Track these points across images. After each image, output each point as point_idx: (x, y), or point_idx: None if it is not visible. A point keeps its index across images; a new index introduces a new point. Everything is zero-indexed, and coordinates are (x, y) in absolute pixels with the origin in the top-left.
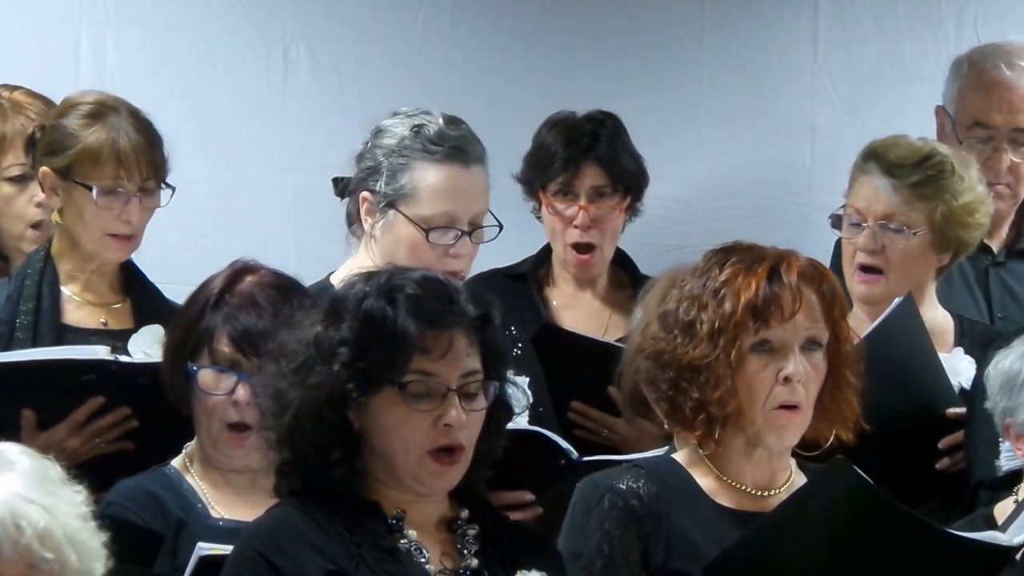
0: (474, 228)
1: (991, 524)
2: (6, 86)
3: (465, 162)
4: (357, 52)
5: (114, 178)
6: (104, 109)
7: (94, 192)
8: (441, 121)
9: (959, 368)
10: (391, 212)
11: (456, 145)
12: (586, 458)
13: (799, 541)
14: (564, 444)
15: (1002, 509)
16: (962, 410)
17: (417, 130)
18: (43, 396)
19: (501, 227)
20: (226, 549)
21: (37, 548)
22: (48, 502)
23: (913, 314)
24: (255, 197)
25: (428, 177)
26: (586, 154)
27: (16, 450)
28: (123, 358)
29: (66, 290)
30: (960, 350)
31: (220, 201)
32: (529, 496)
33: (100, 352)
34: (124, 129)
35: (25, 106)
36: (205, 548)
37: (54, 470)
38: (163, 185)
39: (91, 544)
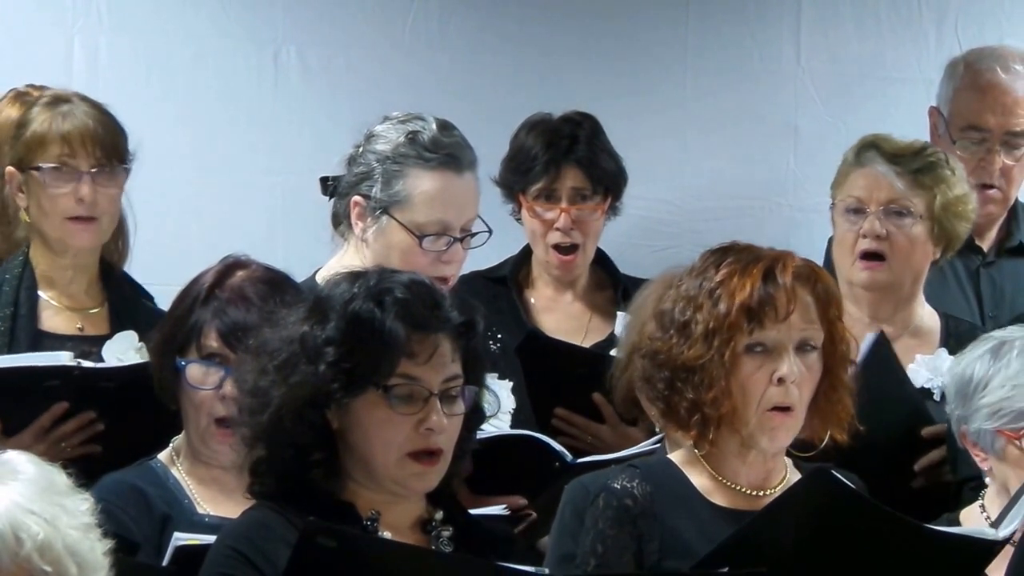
0: (465, 234)
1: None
2: (33, 87)
3: (458, 169)
4: (346, 56)
5: (59, 155)
6: (56, 100)
7: (42, 172)
8: (435, 127)
9: (942, 369)
10: (384, 218)
11: (450, 152)
12: (580, 460)
13: (784, 541)
14: (558, 447)
15: (968, 514)
16: (937, 428)
17: (412, 137)
18: (8, 403)
19: (491, 232)
20: (203, 539)
21: (36, 560)
22: (50, 513)
23: (886, 353)
24: (245, 199)
25: (423, 184)
26: (566, 157)
27: (23, 458)
28: (86, 363)
29: (44, 295)
30: (944, 351)
31: (210, 203)
32: (522, 500)
33: (63, 358)
34: (72, 113)
35: None
36: (182, 538)
37: (60, 478)
38: (125, 169)
39: (92, 556)
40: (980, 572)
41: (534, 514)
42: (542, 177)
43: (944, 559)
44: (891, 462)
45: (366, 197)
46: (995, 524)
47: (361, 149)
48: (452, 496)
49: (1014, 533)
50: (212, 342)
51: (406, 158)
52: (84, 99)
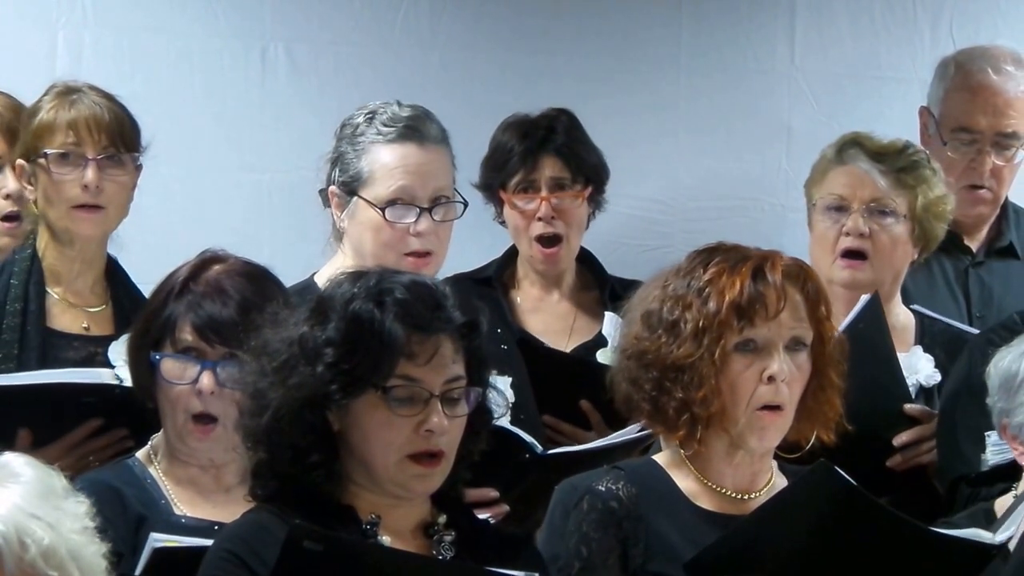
0: (435, 204)
1: (991, 519)
2: None
3: (420, 140)
4: (335, 53)
5: (64, 142)
6: (67, 90)
7: (48, 159)
8: (396, 107)
9: (918, 367)
10: (353, 199)
11: (408, 125)
12: (551, 451)
13: (781, 539)
14: (528, 438)
15: (1002, 504)
16: (921, 408)
17: (371, 116)
18: (42, 416)
19: (466, 204)
20: (180, 541)
21: (41, 566)
22: (53, 517)
23: (879, 312)
24: (231, 197)
25: (382, 157)
26: (543, 146)
27: (21, 461)
28: (127, 383)
29: (50, 291)
30: (919, 348)
31: (196, 201)
32: (494, 493)
33: (104, 376)
34: (80, 101)
35: None
36: (159, 540)
37: (57, 481)
38: (135, 158)
39: (93, 560)
40: (977, 574)
41: (506, 507)
42: (520, 169)
43: (942, 561)
44: (871, 428)
45: (337, 184)
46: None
47: (334, 141)
48: (457, 499)
49: (1010, 539)
50: (187, 336)
51: (366, 136)
52: (94, 89)
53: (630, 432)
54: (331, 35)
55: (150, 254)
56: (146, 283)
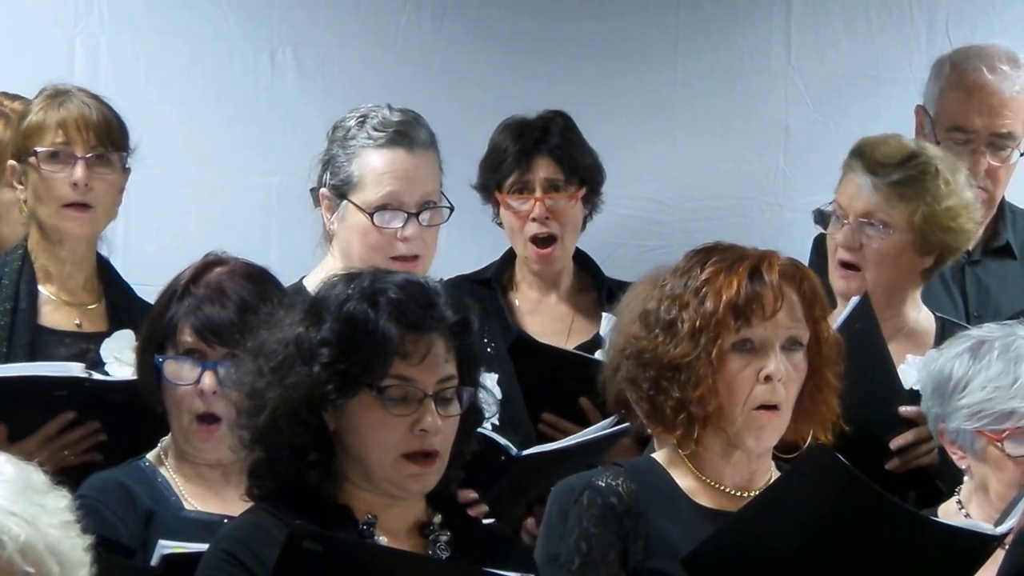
0: (422, 209)
1: None
2: (5, 94)
3: (408, 145)
4: (341, 56)
5: (54, 141)
6: (57, 92)
7: (38, 158)
8: (387, 110)
9: None
10: (342, 203)
11: (398, 130)
12: (525, 452)
13: (779, 529)
14: (502, 441)
15: (946, 510)
16: (915, 409)
17: (362, 120)
18: (15, 410)
19: (452, 208)
20: (189, 547)
21: (19, 562)
22: (30, 513)
23: (871, 314)
24: (240, 199)
25: (372, 162)
26: (537, 147)
27: (0, 459)
28: (96, 375)
29: (43, 289)
30: (934, 352)
31: (206, 203)
32: (473, 494)
33: (74, 369)
34: (68, 102)
35: None
36: (168, 546)
37: (37, 476)
38: (123, 158)
39: (73, 554)
40: (977, 566)
41: (486, 507)
42: (514, 169)
43: (941, 551)
44: (867, 431)
45: (327, 187)
46: (1000, 520)
47: (327, 144)
48: (451, 499)
49: (1011, 530)
50: (187, 338)
51: (356, 140)
52: (83, 90)
53: (603, 427)
54: (336, 38)
55: (159, 255)
56: (155, 285)
